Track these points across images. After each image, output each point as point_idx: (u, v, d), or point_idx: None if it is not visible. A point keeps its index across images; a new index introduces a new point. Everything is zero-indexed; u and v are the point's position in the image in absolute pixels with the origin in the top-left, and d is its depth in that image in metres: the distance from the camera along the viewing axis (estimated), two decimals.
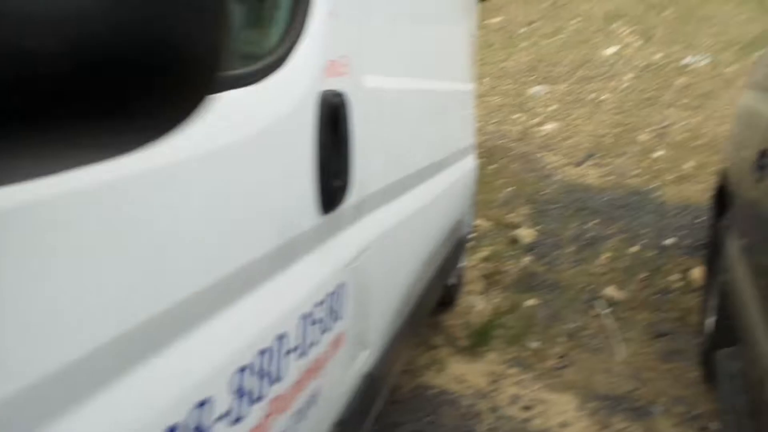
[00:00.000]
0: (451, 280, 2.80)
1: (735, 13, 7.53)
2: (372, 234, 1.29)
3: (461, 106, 2.63)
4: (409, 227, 1.66)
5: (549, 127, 5.48)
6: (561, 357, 2.63)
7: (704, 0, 8.34)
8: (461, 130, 2.64)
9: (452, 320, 3.01)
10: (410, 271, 1.72)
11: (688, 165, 4.37)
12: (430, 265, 2.01)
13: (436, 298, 2.38)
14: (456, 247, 2.61)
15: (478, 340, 2.82)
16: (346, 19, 1.09)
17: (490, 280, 3.37)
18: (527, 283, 3.29)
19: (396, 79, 1.47)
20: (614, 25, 8.03)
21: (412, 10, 1.70)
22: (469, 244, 3.75)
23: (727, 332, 2.11)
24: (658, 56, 6.65)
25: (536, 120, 5.67)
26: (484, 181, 4.65)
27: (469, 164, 2.83)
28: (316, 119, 0.95)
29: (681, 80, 5.87)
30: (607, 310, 2.94)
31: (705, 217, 3.67)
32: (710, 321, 2.46)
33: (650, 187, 4.19)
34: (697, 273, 3.07)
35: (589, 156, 4.78)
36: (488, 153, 5.06)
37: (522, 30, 8.87)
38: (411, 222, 1.66)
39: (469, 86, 2.82)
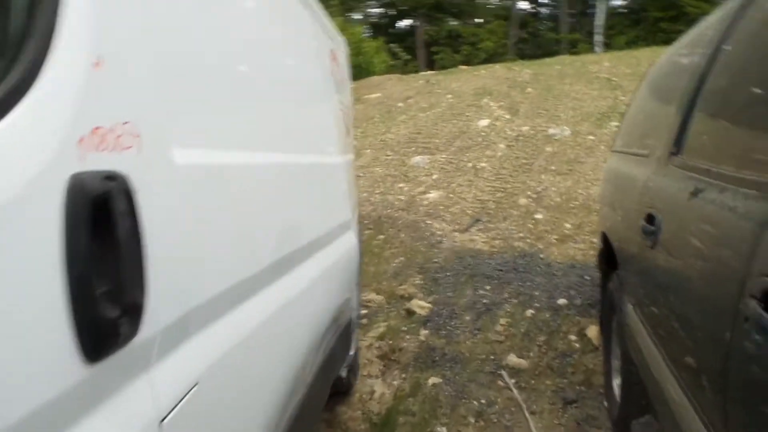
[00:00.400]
0: (343, 371, 2.48)
1: (586, 90, 8.36)
2: (202, 363, 0.93)
3: (333, 180, 2.34)
4: (269, 333, 1.30)
5: (433, 195, 5.49)
6: None
7: (559, 80, 9.23)
8: (335, 205, 2.34)
9: (350, 411, 2.66)
10: (275, 387, 1.36)
11: (568, 226, 4.50)
12: (309, 368, 1.68)
13: (322, 403, 2.04)
14: (343, 334, 2.30)
15: None
16: (132, 74, 0.78)
17: (388, 359, 3.08)
18: (427, 359, 3.05)
19: (231, 152, 1.14)
20: (484, 101, 8.57)
21: (252, 72, 1.39)
22: (362, 321, 3.47)
23: (638, 399, 1.99)
24: (526, 128, 7.09)
25: (420, 189, 5.69)
26: (372, 252, 4.46)
27: (349, 241, 2.52)
28: (61, 216, 0.63)
29: (549, 148, 6.25)
30: (512, 381, 2.76)
31: (590, 276, 3.72)
32: (617, 383, 2.36)
33: (536, 248, 4.23)
34: (593, 332, 3.02)
35: (475, 221, 4.79)
36: (375, 224, 4.92)
37: (400, 104, 9.19)
38: (271, 326, 1.31)
39: (343, 158, 2.55)
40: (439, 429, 2.49)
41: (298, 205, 1.74)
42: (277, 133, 1.57)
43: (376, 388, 2.86)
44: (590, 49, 17.28)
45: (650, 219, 1.73)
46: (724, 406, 1.03)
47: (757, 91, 1.33)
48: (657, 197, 1.79)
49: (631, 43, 17.09)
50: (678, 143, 1.77)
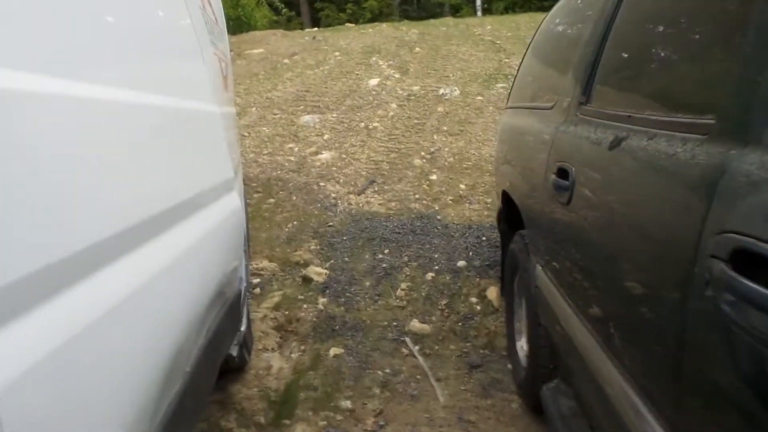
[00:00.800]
0: (234, 349, 2.24)
1: (472, 52, 8.44)
2: (6, 372, 0.67)
3: (208, 133, 1.99)
4: (125, 320, 1.03)
5: (325, 156, 5.25)
6: (378, 414, 2.26)
7: (446, 41, 9.25)
8: (212, 161, 2.00)
9: (245, 390, 2.43)
10: (139, 385, 1.09)
11: (462, 186, 4.50)
12: (188, 353, 1.43)
13: (208, 390, 1.80)
14: (232, 308, 2.05)
15: (281, 411, 2.29)
16: None
17: (285, 331, 2.87)
18: (327, 328, 2.88)
19: (37, 76, 0.83)
20: (373, 59, 8.35)
21: None
22: (255, 291, 3.20)
23: (546, 362, 1.97)
24: (416, 87, 7.01)
25: (311, 149, 5.41)
26: (263, 216, 4.16)
27: (232, 203, 2.21)
28: None
29: (440, 108, 6.22)
30: (416, 348, 2.67)
31: (487, 237, 3.73)
32: (521, 346, 2.34)
33: (432, 210, 4.18)
34: (493, 293, 3.02)
35: (370, 183, 4.64)
36: (265, 186, 4.59)
37: (285, 61, 8.70)
38: (128, 310, 1.04)
39: (221, 109, 2.19)
40: (343, 403, 2.35)
41: (158, 157, 1.41)
42: (116, 61, 1.23)
43: (273, 363, 2.65)
44: (473, 13, 17.63)
45: (562, 173, 1.64)
46: (676, 373, 0.95)
47: (681, 25, 1.24)
48: (568, 149, 1.70)
49: (509, 9, 17.68)
50: (587, 92, 1.69)
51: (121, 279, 1.05)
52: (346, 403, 2.33)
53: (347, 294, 3.18)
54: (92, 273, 0.95)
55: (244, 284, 2.39)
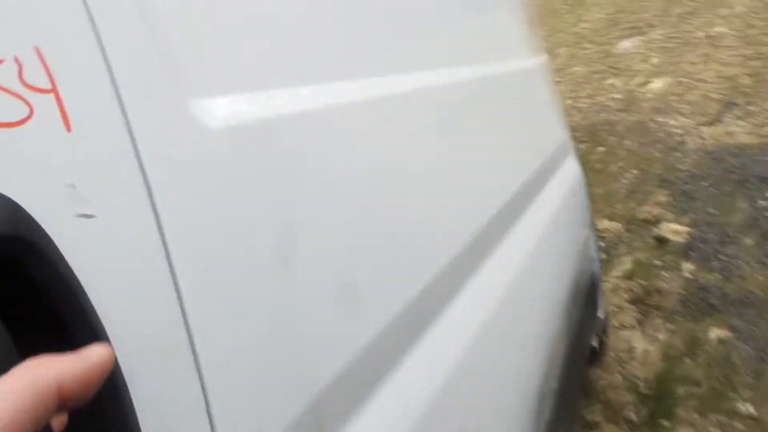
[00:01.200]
0: (594, 340, 1.96)
1: None
2: None
3: (532, 92, 1.69)
4: (483, 357, 0.86)
5: (657, 84, 4.43)
6: None
7: None
8: (543, 125, 1.72)
9: (606, 376, 2.14)
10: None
11: None
12: (554, 368, 1.24)
13: (577, 406, 1.61)
14: (587, 296, 1.76)
15: (656, 408, 1.93)
16: None
17: (644, 304, 2.45)
18: (701, 302, 2.34)
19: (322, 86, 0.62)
20: None
21: None
22: (601, 257, 2.84)
23: None
24: None
25: (638, 80, 4.64)
26: (594, 169, 3.71)
27: (572, 169, 1.90)
28: None
29: None
30: None
31: None
32: None
33: None
34: None
35: (727, 107, 3.71)
36: (590, 134, 4.11)
37: None
38: (485, 342, 0.87)
39: (536, 60, 1.83)
40: (741, 405, 1.84)
41: (504, 129, 1.26)
42: (449, 43, 1.10)
43: (635, 344, 2.28)
44: None
45: None
46: None
47: None
48: None
49: None
50: None
51: (500, 272, 0.95)
52: (746, 407, 1.83)
53: (721, 257, 2.55)
54: (479, 265, 0.89)
55: (597, 264, 2.08)
